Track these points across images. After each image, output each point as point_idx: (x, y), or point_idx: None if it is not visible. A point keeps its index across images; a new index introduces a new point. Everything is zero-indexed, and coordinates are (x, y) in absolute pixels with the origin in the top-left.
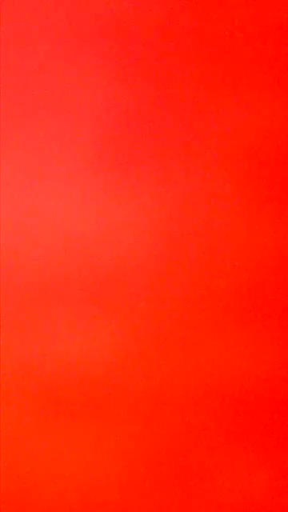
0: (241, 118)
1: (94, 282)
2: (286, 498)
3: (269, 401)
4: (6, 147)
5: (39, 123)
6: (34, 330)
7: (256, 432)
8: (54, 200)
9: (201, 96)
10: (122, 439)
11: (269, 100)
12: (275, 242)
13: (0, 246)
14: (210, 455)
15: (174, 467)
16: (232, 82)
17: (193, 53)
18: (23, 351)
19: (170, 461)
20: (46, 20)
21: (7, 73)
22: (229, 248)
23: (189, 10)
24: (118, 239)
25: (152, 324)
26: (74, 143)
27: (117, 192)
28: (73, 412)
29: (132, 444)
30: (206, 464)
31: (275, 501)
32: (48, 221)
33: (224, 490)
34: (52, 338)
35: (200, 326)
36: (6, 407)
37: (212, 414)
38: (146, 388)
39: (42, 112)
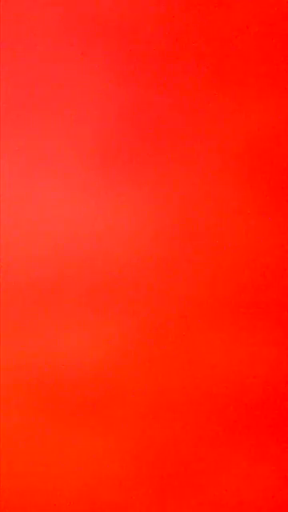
0: (242, 118)
1: (95, 282)
2: (286, 498)
3: (268, 400)
4: (6, 147)
5: (40, 123)
6: (34, 330)
7: (256, 431)
8: (54, 200)
9: (202, 96)
10: (122, 439)
11: (269, 100)
12: (276, 241)
13: (0, 247)
14: (210, 454)
15: (174, 467)
16: (233, 82)
17: (193, 53)
18: (23, 351)
19: (169, 460)
20: (46, 20)
21: (8, 73)
22: (229, 248)
23: (189, 10)
24: (119, 239)
25: (152, 324)
26: (75, 143)
27: (117, 192)
28: (73, 412)
29: (132, 443)
30: (205, 463)
31: (275, 500)
32: (48, 220)
33: (224, 488)
34: (52, 338)
35: (200, 326)
36: (5, 407)
37: (212, 413)
38: (146, 387)
39: (43, 112)
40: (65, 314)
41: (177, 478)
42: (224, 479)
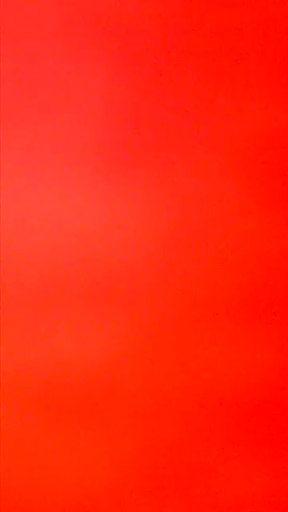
0: (242, 119)
1: (95, 282)
2: (285, 498)
3: (268, 400)
4: (6, 147)
5: (40, 123)
6: (33, 330)
7: (255, 432)
8: (54, 201)
9: (201, 96)
10: (122, 439)
11: (269, 100)
12: (275, 241)
13: (0, 246)
14: (209, 455)
15: (174, 467)
16: (233, 82)
17: (193, 53)
18: (23, 351)
19: (169, 461)
20: (45, 20)
21: (7, 74)
22: (229, 248)
23: (189, 10)
24: (119, 240)
25: (152, 324)
26: (75, 143)
27: (117, 192)
28: (73, 412)
29: (131, 444)
30: (205, 464)
31: (275, 501)
32: (48, 221)
33: (223, 489)
34: (51, 338)
35: (200, 326)
36: (5, 407)
37: (211, 414)
38: (146, 388)
39: (43, 111)
40: (64, 314)
41: (176, 478)
42: (224, 479)
